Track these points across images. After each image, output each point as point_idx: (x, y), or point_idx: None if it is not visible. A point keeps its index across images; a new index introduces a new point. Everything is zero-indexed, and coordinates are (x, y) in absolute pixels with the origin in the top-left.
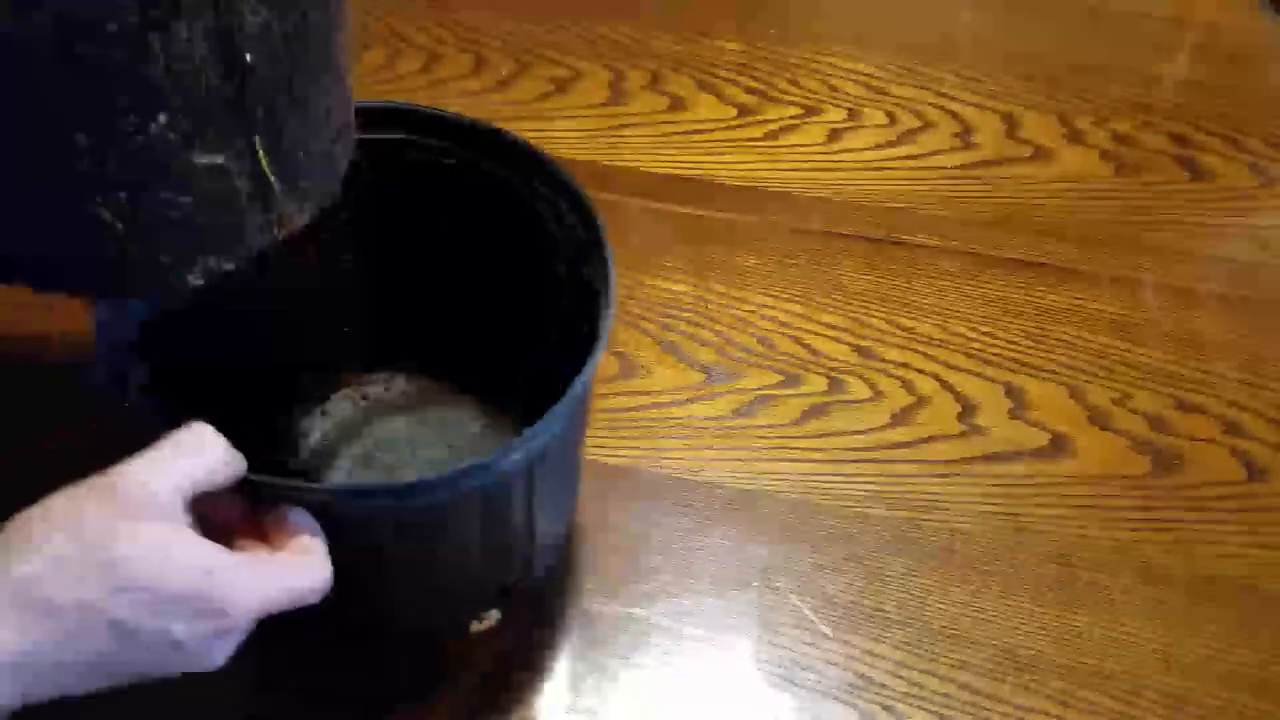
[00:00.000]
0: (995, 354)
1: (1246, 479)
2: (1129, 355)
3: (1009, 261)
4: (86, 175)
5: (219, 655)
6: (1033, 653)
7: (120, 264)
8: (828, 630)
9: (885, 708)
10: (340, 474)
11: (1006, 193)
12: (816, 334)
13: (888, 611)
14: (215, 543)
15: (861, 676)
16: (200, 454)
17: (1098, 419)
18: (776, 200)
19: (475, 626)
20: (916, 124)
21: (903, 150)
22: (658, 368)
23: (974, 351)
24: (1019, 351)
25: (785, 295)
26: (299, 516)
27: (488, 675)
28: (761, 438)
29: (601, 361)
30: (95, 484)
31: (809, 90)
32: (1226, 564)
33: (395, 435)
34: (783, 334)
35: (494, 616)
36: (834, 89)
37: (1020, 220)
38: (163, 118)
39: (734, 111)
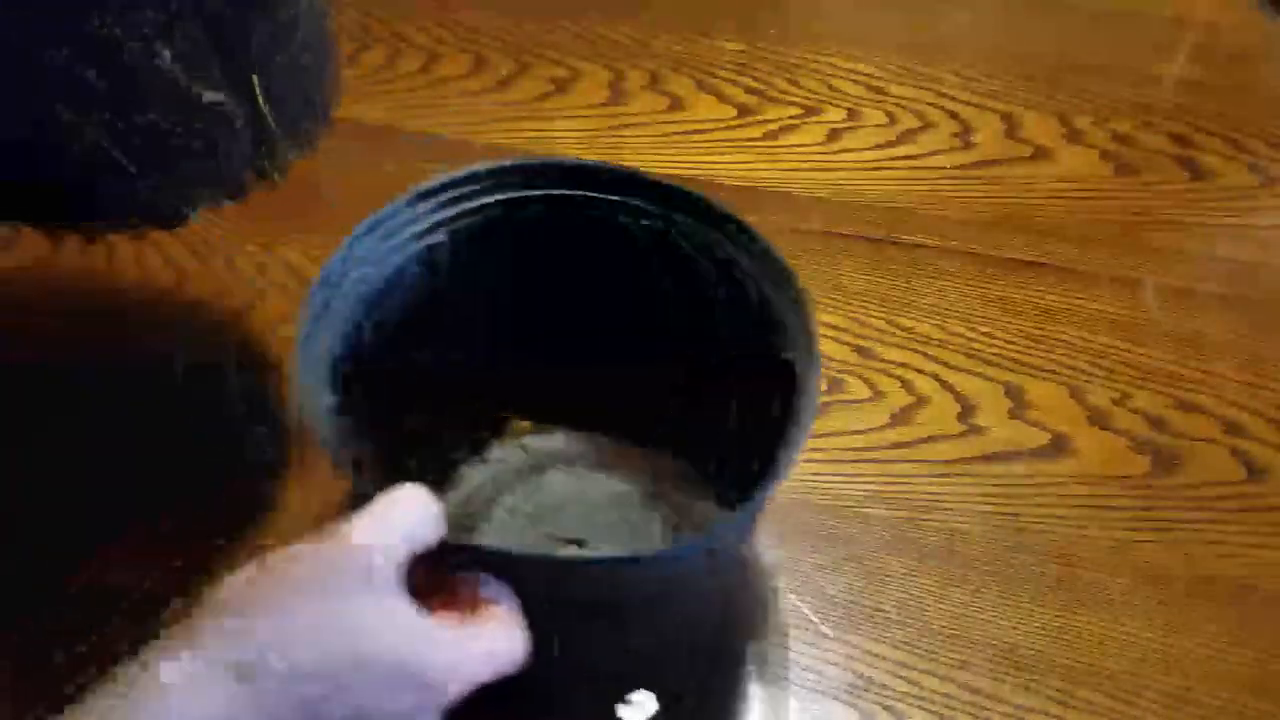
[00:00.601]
0: (995, 354)
1: (1246, 479)
2: (1129, 355)
3: (1008, 261)
4: (71, 86)
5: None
6: (1033, 652)
7: (130, 194)
8: (828, 630)
9: (885, 708)
10: (496, 525)
11: (1006, 193)
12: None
13: (887, 611)
14: (422, 609)
15: (861, 676)
16: (417, 517)
17: (1098, 419)
18: (776, 200)
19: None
20: (916, 124)
21: (902, 150)
22: None
23: (973, 351)
24: (1018, 351)
25: None
26: (493, 580)
27: None
28: None
29: None
30: (314, 549)
31: (809, 90)
32: (1226, 564)
33: (554, 490)
34: None
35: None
36: (834, 89)
37: (1020, 220)
38: (162, 49)
39: (734, 111)
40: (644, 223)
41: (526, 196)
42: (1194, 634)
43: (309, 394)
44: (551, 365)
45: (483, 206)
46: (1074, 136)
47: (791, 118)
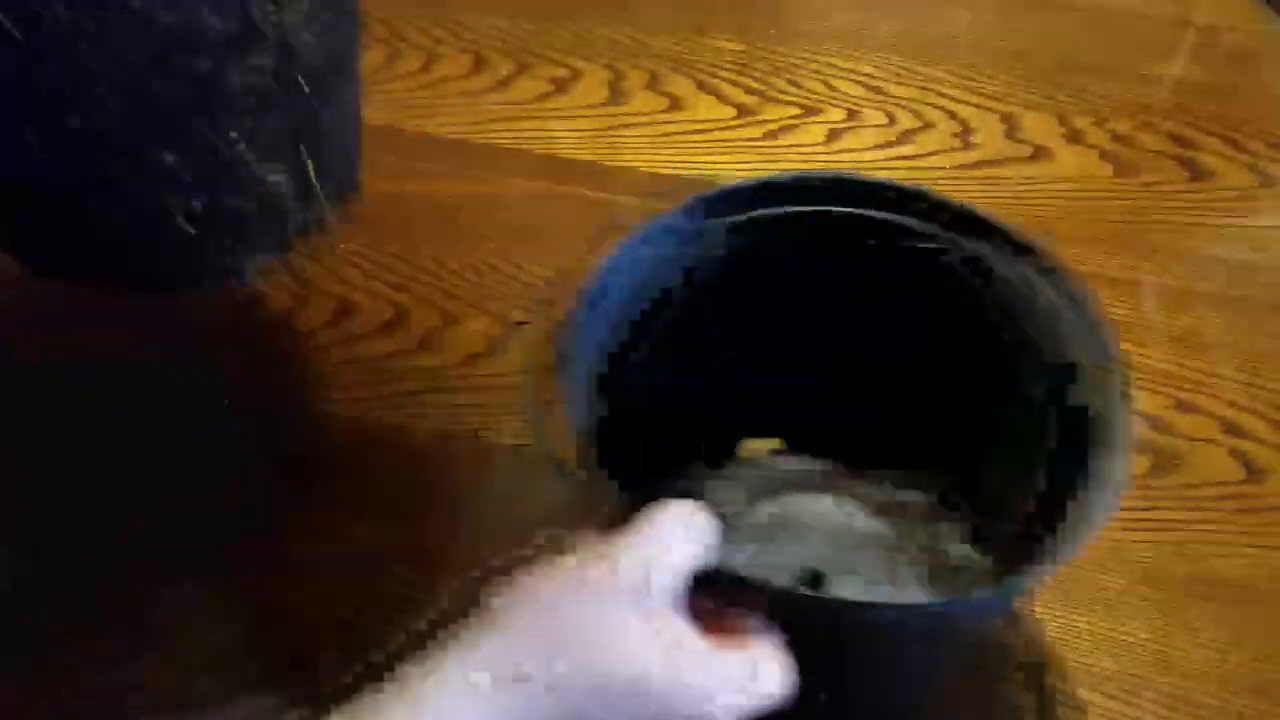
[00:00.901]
0: None
1: (1246, 479)
2: (1128, 355)
3: None
4: (170, 179)
5: None
6: (1031, 653)
7: (206, 262)
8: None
9: None
10: (728, 548)
11: (1006, 193)
12: None
13: None
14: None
15: None
16: (687, 535)
17: None
18: None
19: None
20: (916, 124)
21: (902, 150)
22: None
23: None
24: None
25: None
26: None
27: None
28: None
29: None
30: (582, 569)
31: (808, 90)
32: (1226, 564)
33: (791, 516)
34: None
35: None
36: (833, 89)
37: (1019, 220)
38: (234, 134)
39: (733, 111)
40: (929, 246)
41: (799, 212)
42: (1193, 634)
43: (572, 411)
44: (800, 385)
45: (751, 221)
46: (1074, 136)
47: (791, 118)
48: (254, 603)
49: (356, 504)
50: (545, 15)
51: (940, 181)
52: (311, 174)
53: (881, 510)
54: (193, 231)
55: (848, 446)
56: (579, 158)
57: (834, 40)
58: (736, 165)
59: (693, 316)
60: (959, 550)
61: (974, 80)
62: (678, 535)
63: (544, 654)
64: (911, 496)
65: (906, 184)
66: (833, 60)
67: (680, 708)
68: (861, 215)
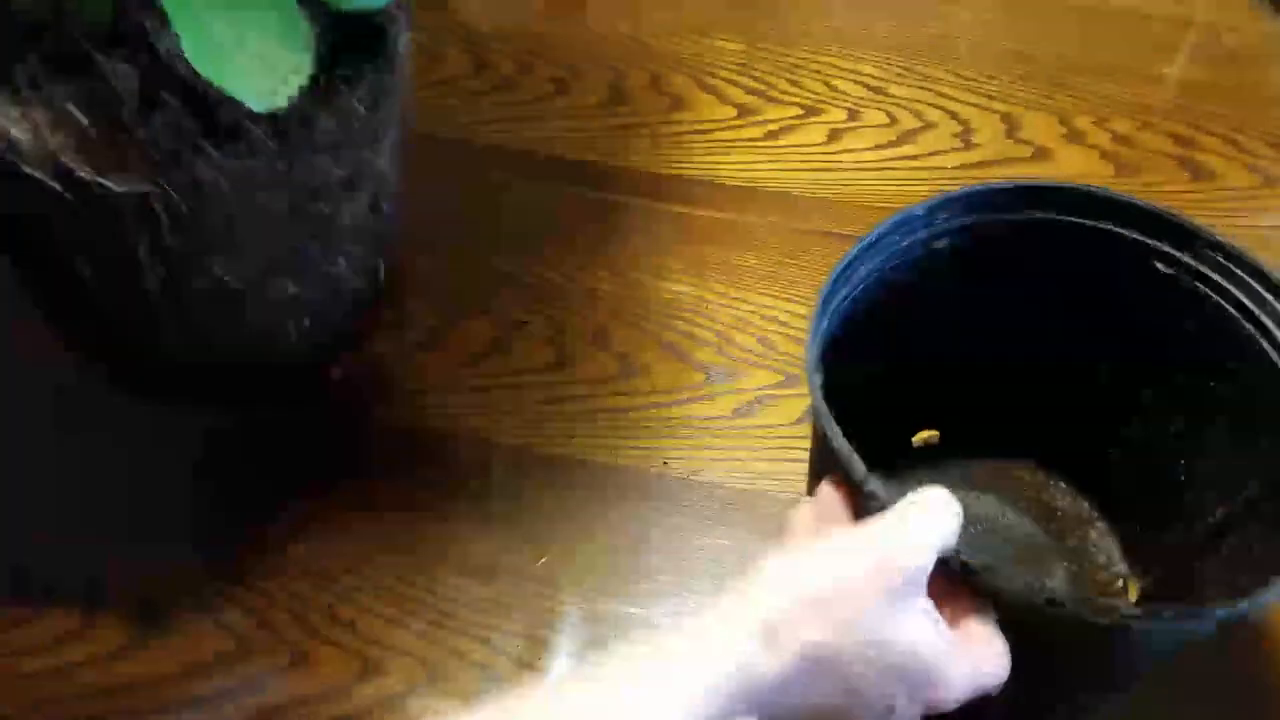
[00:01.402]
0: None
1: None
2: None
3: None
4: (290, 305)
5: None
6: None
7: (295, 370)
8: None
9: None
10: None
11: None
12: None
13: None
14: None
15: None
16: (943, 524)
17: None
18: (776, 200)
19: None
20: (917, 124)
21: (903, 150)
22: (657, 368)
23: None
24: None
25: (785, 295)
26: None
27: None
28: (761, 438)
29: (600, 361)
30: (862, 549)
31: (809, 90)
32: None
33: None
34: (783, 334)
35: None
36: (834, 89)
37: None
38: (341, 259)
39: (734, 112)
40: (1168, 270)
41: (1037, 220)
42: None
43: (818, 389)
44: (992, 383)
45: (988, 223)
46: (1074, 137)
47: (792, 118)
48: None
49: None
50: (545, 15)
51: (941, 181)
52: (382, 274)
53: (1038, 513)
54: (301, 346)
55: (1014, 445)
56: (579, 158)
57: (835, 40)
58: (737, 165)
59: (922, 305)
60: (1106, 557)
61: (975, 80)
62: (935, 523)
63: (829, 628)
64: (1067, 503)
65: (1153, 205)
66: (834, 60)
67: (921, 687)
68: (1104, 230)
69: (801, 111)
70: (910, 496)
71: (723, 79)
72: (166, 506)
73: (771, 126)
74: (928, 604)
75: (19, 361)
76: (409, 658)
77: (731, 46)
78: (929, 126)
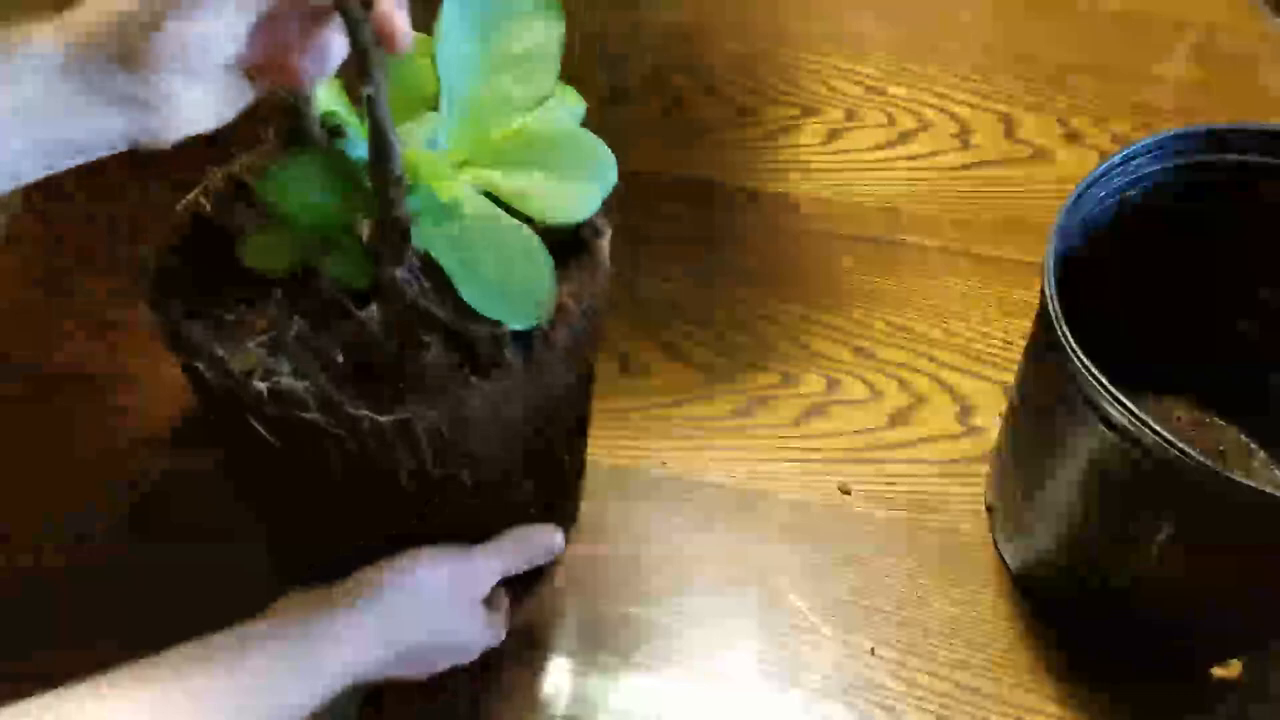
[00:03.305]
0: (993, 354)
1: None
2: None
3: (1007, 262)
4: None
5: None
6: (1031, 652)
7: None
8: (826, 630)
9: (884, 707)
10: None
11: (1005, 193)
12: (815, 334)
13: (886, 611)
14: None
15: (860, 676)
16: (516, 561)
17: None
18: (775, 200)
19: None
20: (915, 124)
21: (901, 151)
22: (656, 367)
23: (972, 352)
24: (1017, 351)
25: (784, 295)
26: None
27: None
28: (760, 437)
29: (601, 361)
30: (444, 569)
31: (808, 91)
32: None
33: None
34: (781, 334)
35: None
36: (833, 90)
37: (1019, 220)
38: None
39: (733, 112)
40: None
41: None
42: None
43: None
44: (1155, 322)
45: (1175, 169)
46: (1073, 137)
47: (791, 118)
48: None
49: None
50: None
51: (939, 182)
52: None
53: (1201, 449)
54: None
55: (1172, 382)
56: None
57: (834, 41)
58: (736, 165)
59: (1117, 247)
60: (1273, 489)
61: (973, 81)
62: (513, 560)
63: (421, 631)
64: (1228, 437)
65: None
66: (832, 60)
67: (461, 657)
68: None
69: (800, 112)
70: (510, 533)
71: (722, 79)
72: None
73: (770, 127)
74: (481, 608)
75: None
76: None
77: (731, 46)
78: (927, 127)
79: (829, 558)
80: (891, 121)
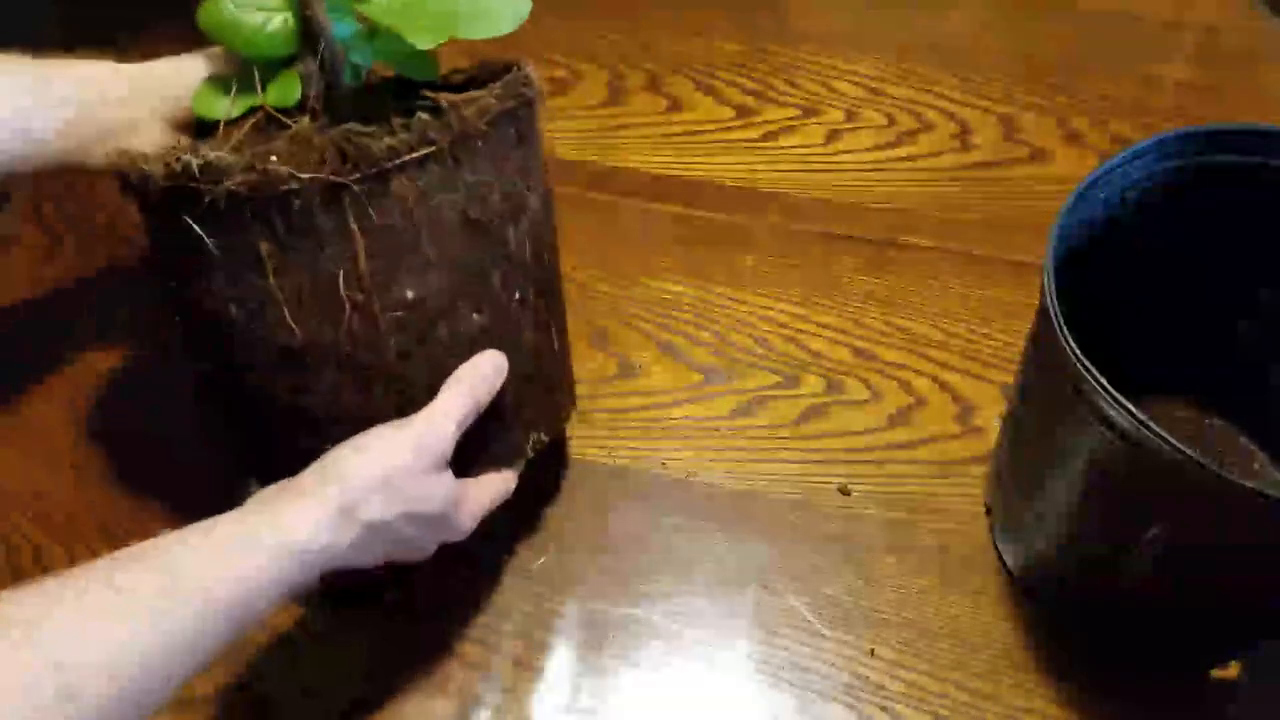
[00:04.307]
0: (993, 355)
1: None
2: None
3: (1007, 263)
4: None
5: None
6: (1030, 653)
7: None
8: (825, 630)
9: (883, 708)
10: None
11: (1005, 194)
12: (814, 335)
13: (885, 612)
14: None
15: (859, 677)
16: (466, 402)
17: None
18: (775, 201)
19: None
20: (915, 125)
21: (901, 151)
22: (656, 368)
23: (972, 353)
24: (1017, 352)
25: (783, 296)
26: None
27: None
28: (760, 438)
29: (599, 361)
30: (404, 434)
31: (807, 91)
32: None
33: None
34: (781, 335)
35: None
36: (832, 90)
37: (1018, 221)
38: (518, 295)
39: (732, 112)
40: None
41: (1218, 162)
42: None
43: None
44: (1153, 324)
45: (1175, 169)
46: (1072, 138)
47: (790, 119)
48: None
49: None
50: (545, 16)
51: (939, 182)
52: (555, 343)
53: (1201, 450)
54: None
55: (1172, 384)
56: (578, 158)
57: (833, 41)
58: (736, 166)
59: (1116, 243)
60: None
61: (973, 81)
62: (461, 403)
63: (385, 505)
64: (1227, 439)
65: None
66: (832, 61)
67: (443, 529)
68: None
69: (800, 112)
70: (454, 374)
71: (721, 79)
72: None
73: (770, 127)
74: (448, 472)
75: None
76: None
77: (730, 47)
78: (927, 127)
79: (828, 558)
80: (891, 122)
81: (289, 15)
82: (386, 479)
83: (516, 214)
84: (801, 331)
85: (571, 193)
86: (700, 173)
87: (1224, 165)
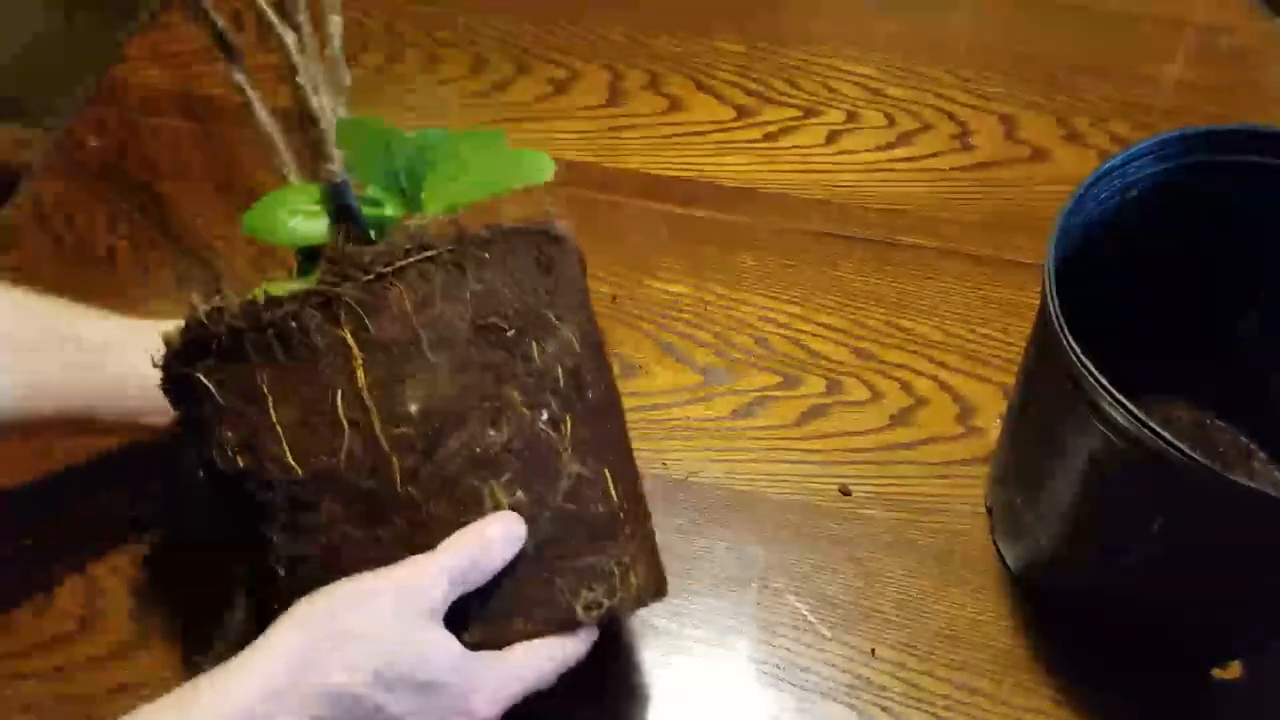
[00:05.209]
0: (993, 355)
1: None
2: None
3: (1007, 263)
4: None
5: None
6: (1031, 653)
7: None
8: (826, 631)
9: (883, 708)
10: None
11: (1005, 194)
12: (815, 335)
13: (886, 612)
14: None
15: (860, 677)
16: (475, 560)
17: None
18: (775, 202)
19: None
20: (915, 125)
21: (901, 151)
22: (656, 369)
23: (972, 353)
24: (1017, 353)
25: (784, 297)
26: None
27: None
28: (760, 439)
29: None
30: (379, 576)
31: (807, 92)
32: None
33: None
34: (781, 335)
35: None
36: (832, 90)
37: (1019, 221)
38: (544, 414)
39: (732, 113)
40: None
41: (1215, 162)
42: None
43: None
44: (1153, 323)
45: (1176, 169)
46: (1072, 138)
47: (790, 119)
48: None
49: None
50: (545, 16)
51: (940, 183)
52: (614, 494)
53: (1202, 451)
54: None
55: (1170, 384)
56: (579, 159)
57: (834, 42)
58: (736, 166)
59: (1119, 244)
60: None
61: (973, 81)
62: (461, 560)
63: (347, 666)
64: (1226, 439)
65: None
66: (832, 62)
67: (453, 703)
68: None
69: (800, 113)
70: (462, 531)
71: (721, 80)
72: None
73: (770, 128)
74: (442, 629)
75: None
76: None
77: (730, 47)
78: (927, 128)
79: (829, 559)
80: (892, 122)
81: (325, 217)
82: (358, 638)
83: (541, 332)
84: (802, 332)
85: (572, 193)
86: (700, 173)
87: (1224, 165)
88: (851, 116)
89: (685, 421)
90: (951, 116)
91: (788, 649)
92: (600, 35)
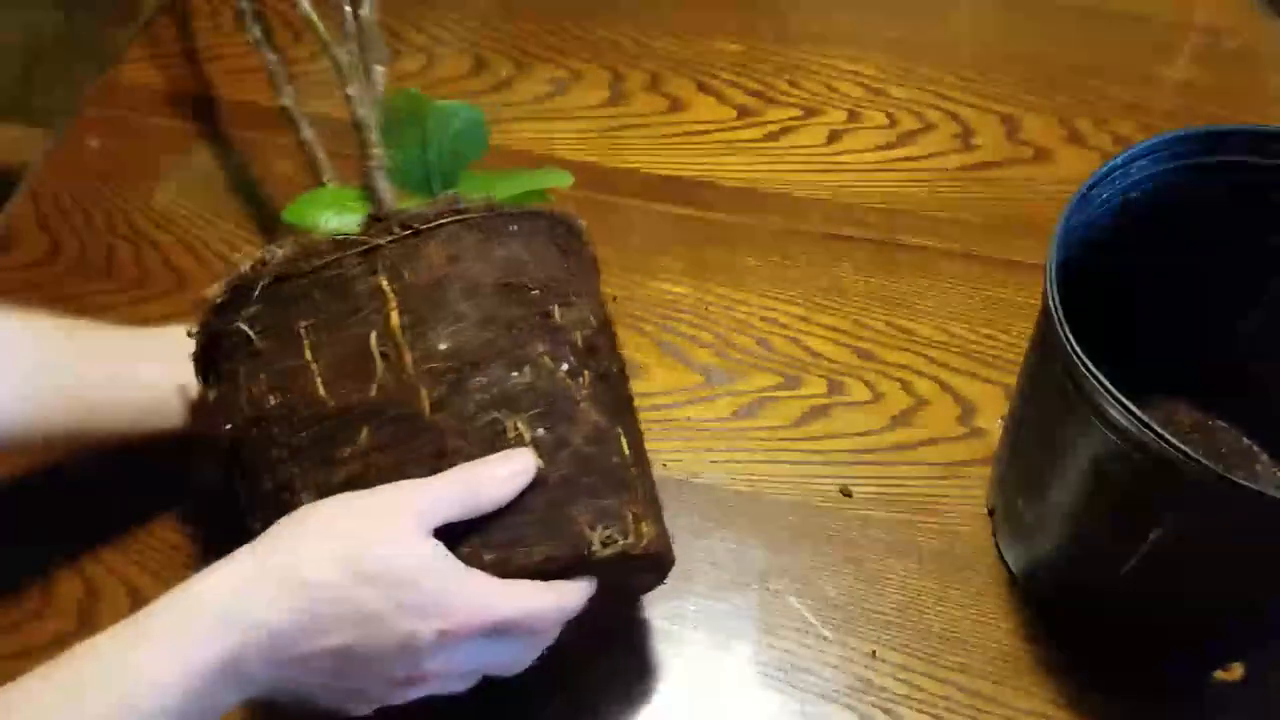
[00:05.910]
0: (995, 356)
1: None
2: None
3: (1009, 263)
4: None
5: (440, 662)
6: (1032, 655)
7: None
8: (827, 633)
9: (885, 710)
10: None
11: (1007, 194)
12: (816, 336)
13: (887, 614)
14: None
15: (861, 679)
16: (474, 489)
17: None
18: (776, 202)
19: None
20: (917, 125)
21: (903, 152)
22: (657, 369)
23: (974, 353)
24: (1019, 354)
25: (785, 297)
26: None
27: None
28: (761, 439)
29: None
30: (371, 493)
31: (809, 91)
32: None
33: None
34: (782, 336)
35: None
36: (834, 90)
37: (1021, 222)
38: (565, 365)
39: (734, 113)
40: None
41: (1220, 163)
42: None
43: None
44: (1154, 323)
45: (1178, 169)
46: (1074, 138)
47: (792, 119)
48: None
49: None
50: (545, 16)
51: (941, 183)
52: (625, 446)
53: (1204, 451)
54: None
55: (1172, 383)
56: (579, 159)
57: (835, 41)
58: (737, 166)
59: (1120, 245)
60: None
61: (975, 82)
62: (464, 490)
63: (338, 566)
64: (1229, 439)
65: None
66: (834, 61)
67: (434, 615)
68: None
69: (801, 113)
70: (469, 463)
71: (723, 80)
72: None
73: (771, 128)
74: (435, 543)
75: None
76: None
77: (731, 47)
78: (929, 128)
79: (830, 560)
80: (893, 122)
81: (358, 214)
82: (341, 541)
83: (562, 298)
84: (803, 332)
85: (572, 194)
86: (701, 173)
87: (1225, 165)
88: (853, 116)
89: (686, 422)
90: (953, 117)
91: (788, 650)
92: (601, 35)
